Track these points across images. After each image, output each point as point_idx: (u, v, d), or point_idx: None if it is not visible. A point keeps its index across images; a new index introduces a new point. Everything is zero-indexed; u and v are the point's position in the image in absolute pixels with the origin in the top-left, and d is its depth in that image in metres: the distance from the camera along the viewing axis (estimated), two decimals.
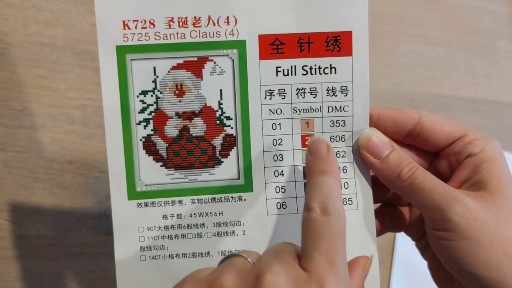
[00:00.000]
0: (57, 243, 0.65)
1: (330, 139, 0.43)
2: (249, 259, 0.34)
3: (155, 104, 0.42)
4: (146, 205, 0.42)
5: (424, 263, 0.47)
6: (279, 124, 0.43)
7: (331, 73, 0.42)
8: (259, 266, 0.33)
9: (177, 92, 0.42)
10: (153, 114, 0.42)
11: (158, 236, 0.42)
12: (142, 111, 0.41)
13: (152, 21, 0.40)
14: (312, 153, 0.39)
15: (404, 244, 0.73)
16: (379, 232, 0.47)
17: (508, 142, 0.83)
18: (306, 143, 0.41)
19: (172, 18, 0.40)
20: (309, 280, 0.31)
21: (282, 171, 0.43)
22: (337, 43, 0.42)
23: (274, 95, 0.42)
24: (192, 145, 0.42)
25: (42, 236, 0.64)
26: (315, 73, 0.42)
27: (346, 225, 0.35)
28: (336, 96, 0.42)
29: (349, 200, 0.43)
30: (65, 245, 0.65)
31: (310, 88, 0.42)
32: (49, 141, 0.66)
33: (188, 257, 0.43)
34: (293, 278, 0.31)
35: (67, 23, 0.69)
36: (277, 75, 0.42)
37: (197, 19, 0.41)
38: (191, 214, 0.43)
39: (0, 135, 0.65)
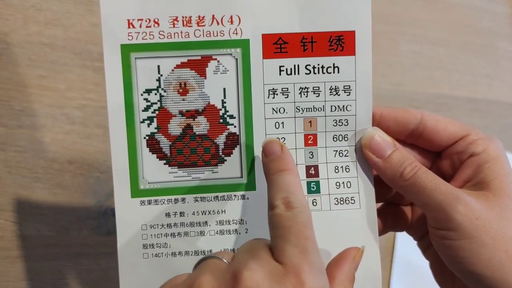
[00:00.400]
0: (57, 243, 0.65)
1: (333, 138, 0.43)
2: (223, 260, 0.35)
3: (159, 103, 0.42)
4: (149, 203, 0.42)
5: (424, 263, 0.47)
6: (282, 123, 0.43)
7: (334, 72, 0.42)
8: (235, 264, 0.33)
9: (180, 90, 0.42)
10: (157, 112, 0.42)
11: (161, 233, 0.42)
12: (146, 109, 0.42)
13: (156, 20, 0.40)
14: (267, 154, 0.40)
15: (404, 244, 0.73)
16: (381, 232, 0.47)
17: (509, 142, 0.83)
18: (261, 145, 0.42)
19: (177, 17, 0.41)
20: (285, 271, 0.32)
21: None
22: (340, 43, 0.42)
23: (277, 94, 0.42)
24: (196, 144, 0.42)
25: (42, 236, 0.64)
26: (318, 73, 0.42)
27: (311, 215, 0.35)
28: (339, 95, 0.42)
29: (351, 199, 0.43)
30: (65, 245, 0.65)
31: (313, 87, 0.42)
32: (49, 141, 0.66)
33: (191, 255, 0.43)
34: (270, 271, 0.32)
35: (67, 23, 0.69)
36: (280, 74, 0.42)
37: (201, 18, 0.41)
38: (194, 212, 0.43)
39: (0, 135, 0.65)
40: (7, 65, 0.67)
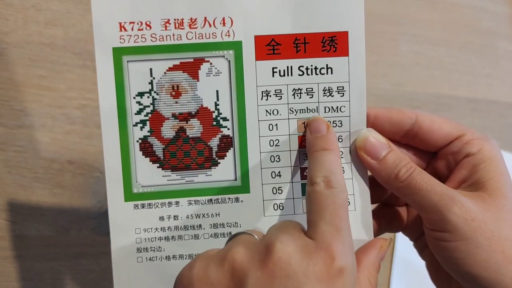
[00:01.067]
0: (57, 243, 0.65)
1: None
2: (255, 236, 0.36)
3: (151, 106, 0.42)
4: (143, 207, 0.42)
5: (424, 263, 0.47)
6: (276, 125, 0.42)
7: (327, 73, 0.42)
8: (267, 238, 0.34)
9: (173, 93, 0.42)
10: (149, 115, 0.42)
11: (155, 237, 0.42)
12: (138, 112, 0.41)
13: (148, 22, 0.40)
14: (312, 131, 0.41)
15: (404, 244, 0.73)
16: (376, 233, 0.47)
17: (508, 142, 0.82)
18: (308, 121, 0.42)
19: (168, 20, 0.40)
20: (316, 247, 0.33)
21: (279, 172, 0.43)
22: (333, 44, 0.42)
23: (270, 96, 0.42)
24: (189, 146, 0.42)
25: (42, 236, 0.64)
26: (312, 74, 0.42)
27: (347, 197, 0.37)
28: (332, 96, 0.42)
29: None
30: (65, 245, 0.65)
31: (306, 88, 0.42)
32: (49, 141, 0.66)
33: (185, 258, 0.43)
34: (302, 245, 0.33)
35: (67, 23, 0.70)
36: (273, 75, 0.42)
37: (193, 20, 0.41)
38: (188, 215, 0.43)
39: (0, 135, 0.65)
40: (7, 65, 0.67)
